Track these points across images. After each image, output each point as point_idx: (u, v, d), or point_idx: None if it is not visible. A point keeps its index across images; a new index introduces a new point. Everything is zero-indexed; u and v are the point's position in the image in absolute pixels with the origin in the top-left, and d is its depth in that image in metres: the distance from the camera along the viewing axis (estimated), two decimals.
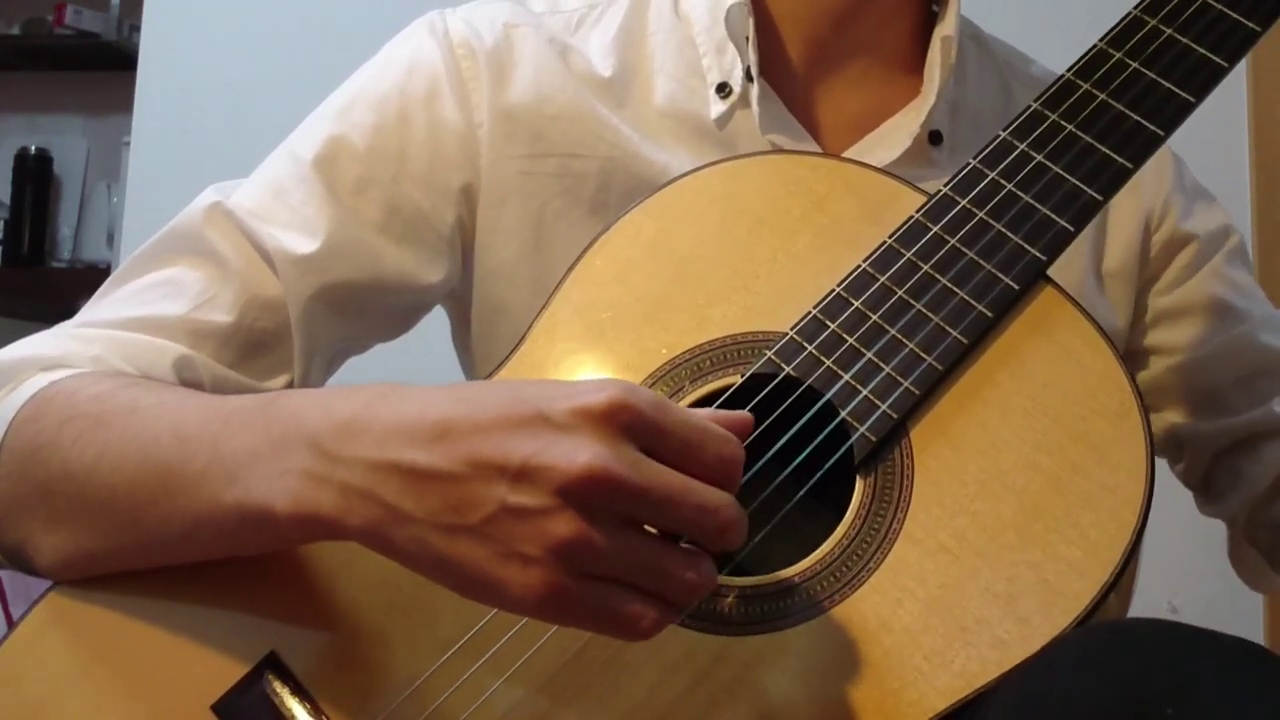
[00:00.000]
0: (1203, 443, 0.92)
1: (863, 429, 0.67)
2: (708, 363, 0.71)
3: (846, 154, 0.86)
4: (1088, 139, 0.73)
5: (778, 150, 0.84)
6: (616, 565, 0.54)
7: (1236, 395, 0.91)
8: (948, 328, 0.69)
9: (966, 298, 0.70)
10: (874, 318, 0.70)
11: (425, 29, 0.88)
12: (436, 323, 0.94)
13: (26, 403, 0.69)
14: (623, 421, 0.54)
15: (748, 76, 0.85)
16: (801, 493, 0.67)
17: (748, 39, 0.84)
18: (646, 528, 0.56)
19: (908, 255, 0.71)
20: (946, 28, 0.85)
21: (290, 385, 0.81)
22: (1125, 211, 0.91)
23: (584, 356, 0.73)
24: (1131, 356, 0.92)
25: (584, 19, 0.90)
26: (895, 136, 0.86)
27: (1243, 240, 0.95)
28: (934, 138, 0.86)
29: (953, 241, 0.71)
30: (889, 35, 0.89)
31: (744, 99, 0.85)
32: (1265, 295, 0.95)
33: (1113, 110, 0.74)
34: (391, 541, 0.57)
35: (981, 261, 0.71)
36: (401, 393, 0.59)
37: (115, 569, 0.66)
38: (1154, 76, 0.74)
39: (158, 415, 0.65)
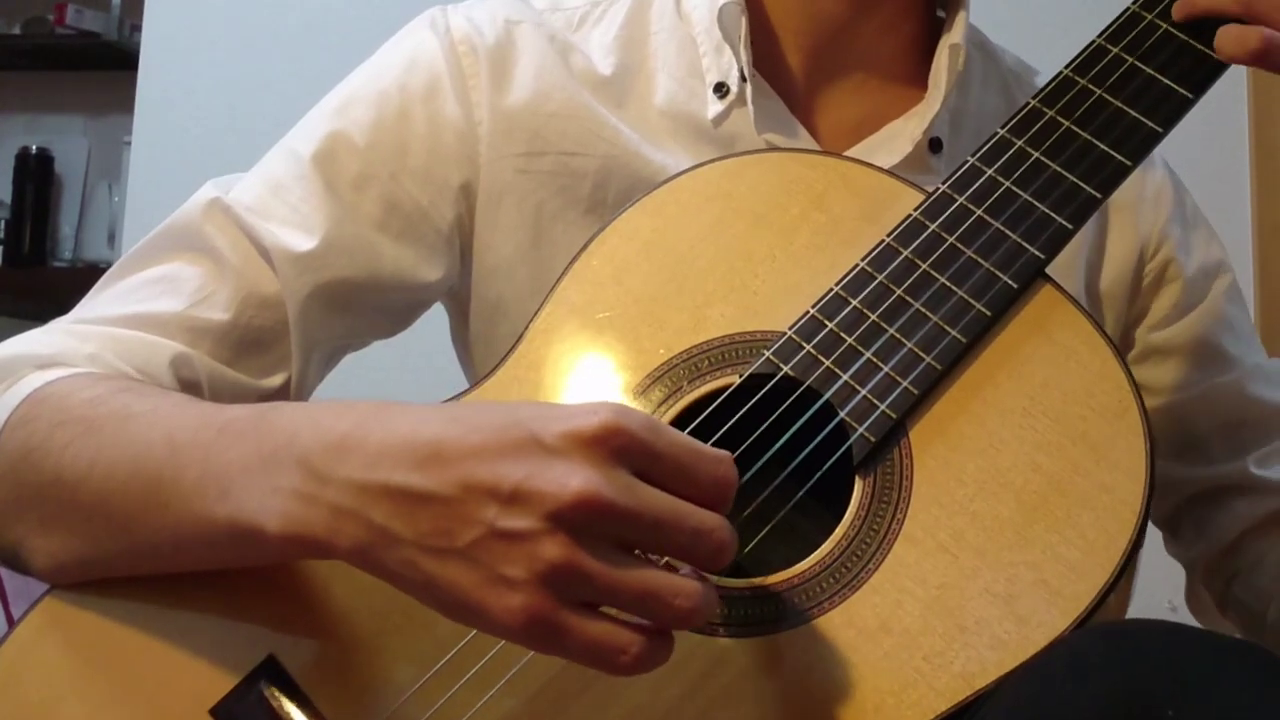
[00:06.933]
0: (1175, 486, 0.91)
1: (861, 429, 0.66)
2: (706, 363, 0.71)
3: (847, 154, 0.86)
4: (1086, 135, 0.73)
5: (776, 148, 0.84)
6: (605, 590, 0.53)
7: (1216, 444, 0.90)
8: (946, 327, 0.69)
9: (965, 296, 0.69)
10: (872, 317, 0.69)
11: (426, 25, 0.87)
12: (436, 322, 0.93)
13: (21, 403, 0.69)
14: (616, 445, 0.54)
15: (742, 76, 0.84)
16: (800, 493, 0.67)
17: (740, 38, 0.84)
18: (639, 553, 0.55)
19: (906, 253, 0.71)
20: (954, 36, 0.85)
21: (288, 383, 0.80)
22: (1122, 233, 0.90)
23: (581, 357, 0.73)
24: None
25: (586, 16, 0.89)
26: (896, 142, 0.86)
27: (1236, 279, 0.94)
28: (934, 145, 0.86)
29: (951, 239, 0.71)
30: (887, 46, 0.88)
31: (741, 98, 0.85)
32: (1260, 342, 0.94)
33: (1110, 107, 0.73)
34: (381, 563, 0.56)
35: (980, 259, 0.70)
36: (395, 412, 0.59)
37: (108, 575, 0.66)
38: (1152, 72, 0.74)
39: (151, 423, 0.65)
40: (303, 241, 0.80)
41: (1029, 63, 0.96)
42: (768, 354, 0.69)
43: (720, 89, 0.85)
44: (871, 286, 0.70)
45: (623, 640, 0.54)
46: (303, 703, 0.62)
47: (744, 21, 0.84)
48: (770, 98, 0.85)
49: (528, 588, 0.53)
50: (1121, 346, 0.90)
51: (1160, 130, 0.73)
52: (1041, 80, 0.92)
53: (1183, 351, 0.90)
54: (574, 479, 0.53)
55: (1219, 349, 0.90)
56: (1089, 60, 0.76)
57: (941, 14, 0.89)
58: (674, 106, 0.86)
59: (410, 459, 0.55)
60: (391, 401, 0.60)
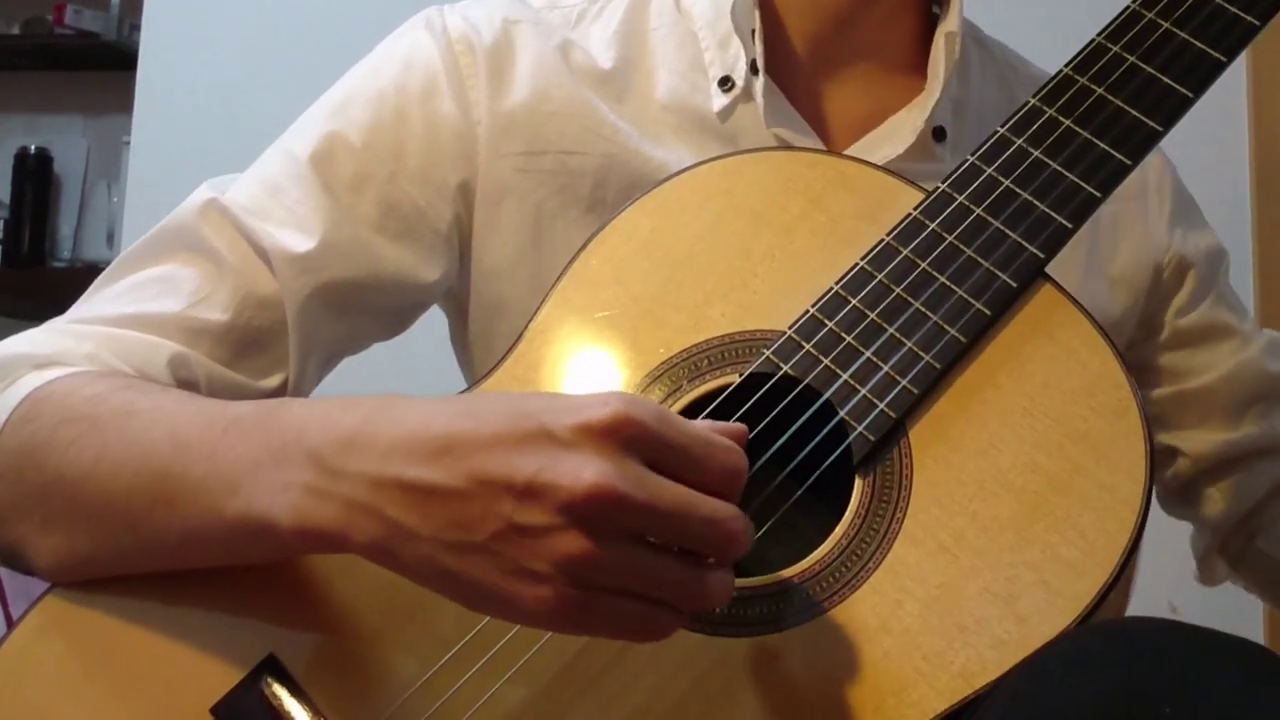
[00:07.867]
0: (1201, 456, 0.94)
1: (861, 428, 0.66)
2: (705, 362, 0.70)
3: (852, 150, 0.86)
4: (1086, 134, 0.73)
5: (775, 147, 0.83)
6: (625, 579, 0.54)
7: (1243, 416, 0.93)
8: (946, 326, 0.69)
9: (965, 295, 0.69)
10: (872, 316, 0.69)
11: (423, 25, 0.87)
12: (436, 322, 0.93)
13: (21, 402, 0.69)
14: (626, 436, 0.54)
15: (752, 70, 0.84)
16: (800, 492, 0.67)
17: (753, 31, 0.84)
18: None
19: (905, 253, 0.71)
20: (950, 24, 0.85)
21: (285, 384, 0.80)
22: (1132, 218, 0.91)
23: (580, 357, 0.73)
24: (1142, 371, 0.94)
25: (584, 14, 0.89)
26: (900, 132, 0.86)
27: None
28: (938, 134, 0.86)
29: (950, 239, 0.71)
30: (891, 36, 0.89)
31: (746, 92, 0.85)
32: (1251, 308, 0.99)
33: (1110, 105, 0.73)
34: (397, 557, 0.57)
35: (979, 259, 0.70)
36: (403, 405, 0.59)
37: (111, 573, 0.65)
38: (1152, 71, 0.74)
39: (154, 420, 0.65)
40: (301, 242, 0.80)
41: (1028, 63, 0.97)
42: (767, 353, 0.69)
43: (725, 83, 0.85)
44: (871, 285, 0.70)
45: (651, 611, 0.55)
46: (304, 701, 0.62)
47: (756, 15, 0.84)
48: (774, 92, 0.86)
49: (552, 579, 0.53)
50: (1147, 330, 0.93)
51: (1160, 129, 0.73)
52: (1036, 71, 0.94)
53: (1207, 335, 0.94)
54: (586, 472, 0.53)
55: (1234, 329, 0.94)
56: (1089, 58, 0.75)
57: (937, 11, 0.90)
58: (676, 100, 0.86)
59: (422, 453, 0.56)
60: (398, 395, 0.60)
